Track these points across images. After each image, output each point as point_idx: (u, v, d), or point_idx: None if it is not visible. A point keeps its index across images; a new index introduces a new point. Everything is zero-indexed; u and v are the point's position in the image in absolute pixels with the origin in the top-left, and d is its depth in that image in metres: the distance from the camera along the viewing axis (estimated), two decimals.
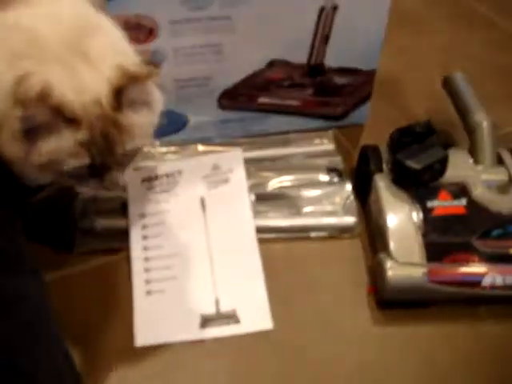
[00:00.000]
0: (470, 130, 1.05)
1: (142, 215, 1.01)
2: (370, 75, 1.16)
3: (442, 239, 0.94)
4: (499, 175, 1.01)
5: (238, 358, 0.89)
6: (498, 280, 0.91)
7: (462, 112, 1.09)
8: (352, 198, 1.05)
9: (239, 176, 1.05)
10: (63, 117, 0.68)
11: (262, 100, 1.14)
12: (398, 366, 0.89)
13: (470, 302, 0.93)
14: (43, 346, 0.72)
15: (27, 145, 0.70)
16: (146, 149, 1.08)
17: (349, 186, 1.07)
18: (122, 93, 0.71)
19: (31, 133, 0.69)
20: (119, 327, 0.90)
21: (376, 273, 0.95)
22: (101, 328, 0.90)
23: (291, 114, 1.17)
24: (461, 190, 0.98)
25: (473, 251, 0.93)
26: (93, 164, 0.72)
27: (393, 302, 0.93)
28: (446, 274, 0.91)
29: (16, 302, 0.70)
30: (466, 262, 0.92)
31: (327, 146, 1.14)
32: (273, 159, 1.12)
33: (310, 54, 1.10)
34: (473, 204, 0.97)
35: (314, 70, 1.12)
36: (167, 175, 1.05)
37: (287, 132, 1.17)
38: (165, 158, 1.10)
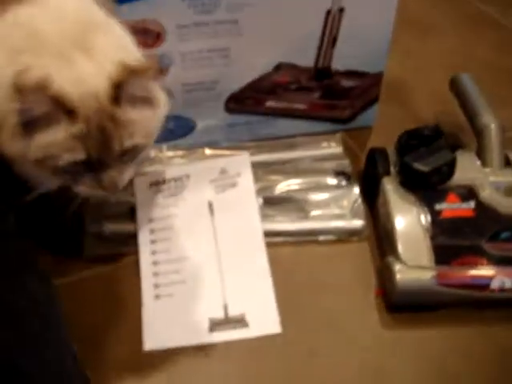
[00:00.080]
0: (478, 132, 1.05)
1: (150, 219, 1.01)
2: (377, 78, 1.15)
3: (451, 242, 0.94)
4: (507, 177, 1.01)
5: (246, 362, 0.89)
6: (507, 283, 0.91)
7: (470, 114, 1.08)
8: (360, 201, 1.05)
9: (247, 180, 1.05)
10: (62, 108, 0.68)
11: (270, 103, 1.14)
12: (407, 370, 0.89)
13: (478, 304, 0.93)
14: (52, 349, 0.72)
15: (26, 139, 0.70)
16: (153, 153, 1.08)
17: (356, 189, 1.06)
18: (121, 87, 0.70)
19: (29, 125, 0.69)
20: (128, 332, 0.90)
21: (384, 276, 0.95)
22: (109, 332, 0.90)
23: (298, 118, 1.17)
24: (469, 193, 0.98)
25: (481, 254, 0.93)
26: (88, 160, 0.72)
27: (401, 305, 0.93)
28: (454, 277, 0.91)
29: (25, 305, 0.71)
30: (475, 265, 0.92)
31: (335, 149, 1.14)
32: (280, 163, 1.11)
33: (317, 57, 1.10)
34: (481, 206, 0.97)
35: (321, 73, 1.12)
36: (175, 179, 1.05)
37: (294, 135, 1.16)
38: (172, 163, 1.10)
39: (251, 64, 1.07)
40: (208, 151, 1.12)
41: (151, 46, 0.99)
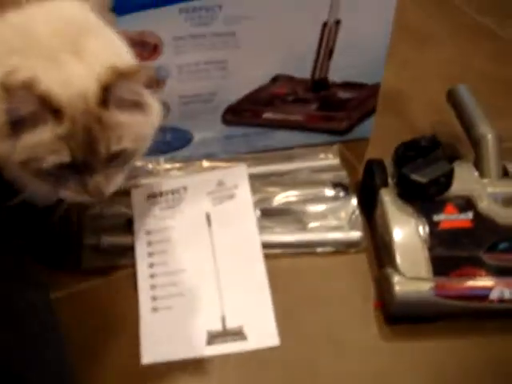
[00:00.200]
0: (475, 143, 1.05)
1: (148, 232, 1.01)
2: (374, 89, 1.16)
3: (449, 253, 0.94)
4: (505, 188, 1.01)
5: (245, 374, 0.88)
6: (506, 293, 0.91)
7: (467, 125, 1.08)
8: (357, 212, 1.05)
9: (244, 191, 1.05)
10: (48, 107, 0.68)
11: (267, 115, 1.14)
12: (406, 381, 0.88)
13: (478, 315, 0.93)
14: (52, 349, 0.73)
15: (12, 139, 0.69)
16: (150, 166, 1.08)
17: (354, 201, 1.06)
18: (110, 90, 0.70)
19: (17, 125, 0.69)
20: (125, 345, 0.90)
21: (383, 287, 0.95)
22: (107, 346, 0.90)
23: (296, 129, 1.17)
24: (467, 204, 0.98)
25: (480, 265, 0.93)
26: (73, 162, 0.71)
27: (400, 317, 0.93)
28: (453, 289, 0.91)
29: (24, 308, 0.71)
30: (474, 276, 0.92)
31: (332, 160, 1.14)
32: (278, 174, 1.11)
33: (314, 69, 1.10)
34: (479, 217, 0.97)
35: (318, 85, 1.12)
36: (172, 192, 1.05)
37: (292, 147, 1.16)
38: (170, 175, 1.10)
39: (248, 76, 1.07)
40: (205, 163, 1.12)
41: (148, 58, 1.00)
